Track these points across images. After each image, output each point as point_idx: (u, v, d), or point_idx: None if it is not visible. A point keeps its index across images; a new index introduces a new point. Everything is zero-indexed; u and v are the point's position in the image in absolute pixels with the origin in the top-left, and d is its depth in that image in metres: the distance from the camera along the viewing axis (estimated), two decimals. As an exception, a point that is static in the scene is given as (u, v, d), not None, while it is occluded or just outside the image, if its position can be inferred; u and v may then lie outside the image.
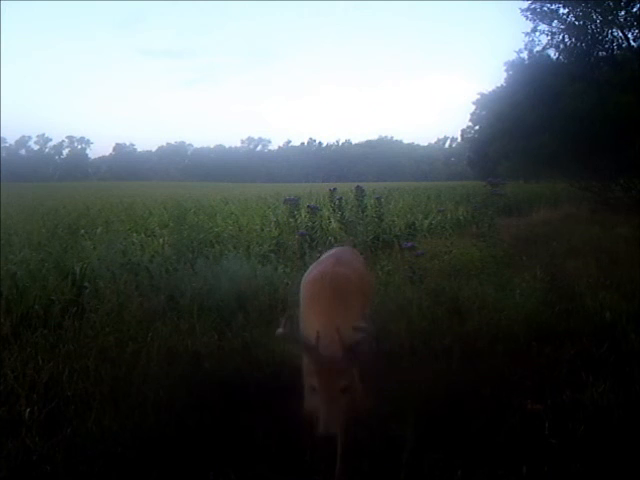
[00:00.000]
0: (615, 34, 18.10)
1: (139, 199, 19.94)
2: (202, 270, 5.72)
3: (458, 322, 4.56)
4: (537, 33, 19.04)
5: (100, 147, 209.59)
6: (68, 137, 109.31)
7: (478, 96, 49.53)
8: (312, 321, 2.68)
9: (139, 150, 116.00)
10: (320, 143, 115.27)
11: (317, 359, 2.44)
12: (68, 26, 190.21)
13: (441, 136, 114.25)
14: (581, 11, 17.68)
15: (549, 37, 18.91)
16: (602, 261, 6.94)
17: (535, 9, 18.27)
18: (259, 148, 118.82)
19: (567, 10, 17.93)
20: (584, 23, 17.74)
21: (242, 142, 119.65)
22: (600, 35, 18.02)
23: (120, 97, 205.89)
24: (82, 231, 9.63)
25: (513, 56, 21.49)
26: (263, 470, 2.73)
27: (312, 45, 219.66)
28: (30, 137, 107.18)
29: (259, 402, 3.22)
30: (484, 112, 44.51)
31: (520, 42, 19.73)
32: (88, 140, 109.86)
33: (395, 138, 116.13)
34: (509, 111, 19.74)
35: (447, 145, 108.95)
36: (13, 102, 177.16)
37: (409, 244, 6.03)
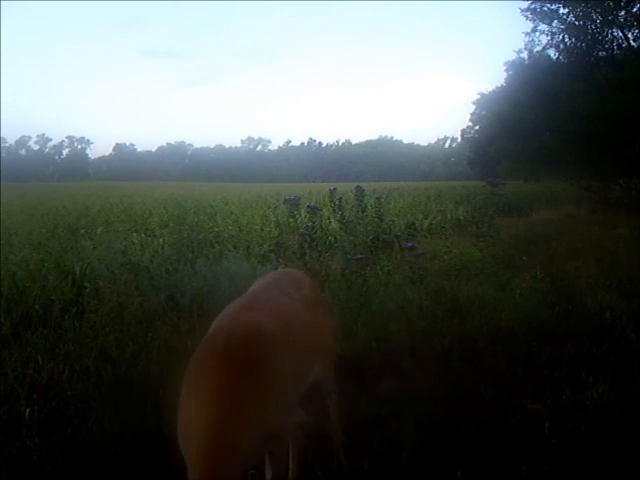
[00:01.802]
0: (615, 34, 18.14)
1: (139, 199, 19.95)
2: (202, 270, 5.72)
3: (458, 322, 4.55)
4: (537, 33, 19.11)
5: (100, 147, 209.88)
6: (68, 137, 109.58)
7: (478, 96, 49.77)
8: (189, 425, 1.76)
9: (139, 150, 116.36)
10: (320, 143, 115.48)
11: None
12: (68, 26, 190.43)
13: (441, 136, 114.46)
14: (581, 11, 17.70)
15: (549, 37, 18.99)
16: (602, 261, 6.94)
17: (535, 9, 18.30)
18: (259, 148, 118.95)
19: (567, 10, 17.98)
20: (584, 23, 17.76)
21: (242, 142, 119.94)
22: (600, 35, 18.04)
23: (120, 97, 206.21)
24: (82, 231, 9.65)
25: (513, 56, 21.59)
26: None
27: (312, 45, 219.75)
28: (30, 137, 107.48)
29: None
30: (484, 112, 44.65)
31: (520, 42, 19.80)
32: (88, 140, 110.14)
33: (395, 138, 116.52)
34: (509, 111, 19.74)
35: (447, 145, 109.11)
36: (13, 102, 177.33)
37: (409, 244, 6.02)
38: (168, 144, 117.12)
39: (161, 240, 8.11)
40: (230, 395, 1.72)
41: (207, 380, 1.78)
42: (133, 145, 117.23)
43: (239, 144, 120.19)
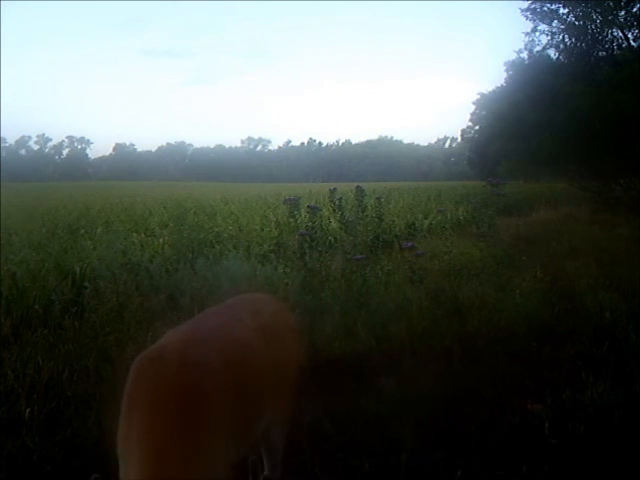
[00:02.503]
0: (615, 34, 18.14)
1: (139, 199, 19.95)
2: (202, 270, 5.72)
3: (458, 322, 4.55)
4: (537, 33, 19.12)
5: (100, 147, 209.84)
6: (68, 137, 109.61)
7: (478, 96, 49.70)
8: (130, 457, 1.54)
9: (139, 150, 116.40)
10: (320, 143, 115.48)
11: None
12: (68, 26, 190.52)
13: (441, 136, 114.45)
14: (581, 11, 17.71)
15: (549, 37, 18.99)
16: (602, 261, 6.94)
17: (535, 9, 18.30)
18: (259, 148, 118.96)
19: (567, 10, 17.98)
20: (584, 23, 17.76)
21: (242, 142, 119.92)
22: (600, 35, 18.04)
23: (120, 97, 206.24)
24: (82, 231, 9.65)
25: (513, 56, 21.61)
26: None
27: (312, 45, 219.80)
28: (30, 137, 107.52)
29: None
30: (484, 112, 44.62)
31: (520, 42, 19.81)
32: (88, 140, 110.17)
33: (395, 138, 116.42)
34: (509, 111, 19.75)
35: (447, 145, 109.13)
36: (13, 102, 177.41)
37: (409, 244, 6.02)
38: (168, 144, 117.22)
39: (161, 240, 8.11)
40: (156, 440, 1.50)
41: (135, 418, 1.57)
42: (133, 145, 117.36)
43: (239, 144, 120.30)
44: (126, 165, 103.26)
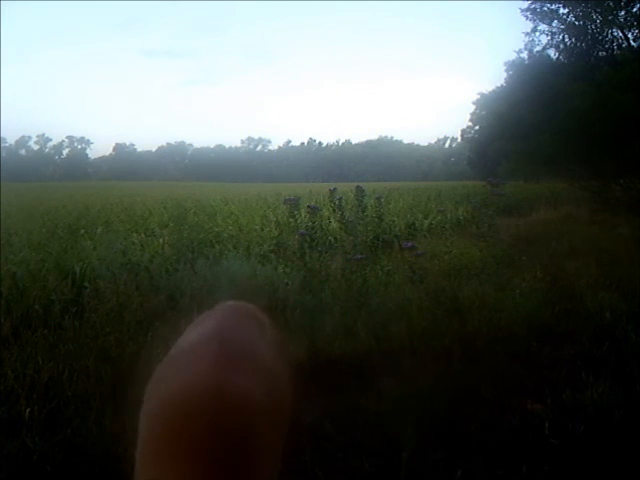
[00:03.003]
0: (615, 34, 18.17)
1: (139, 199, 19.95)
2: (202, 270, 5.72)
3: (458, 322, 4.55)
4: (537, 33, 19.16)
5: (100, 147, 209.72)
6: (68, 137, 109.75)
7: (478, 96, 49.73)
8: None
9: (139, 150, 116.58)
10: (320, 143, 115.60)
11: None
12: (68, 26, 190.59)
13: (441, 136, 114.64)
14: (581, 11, 17.73)
15: (549, 37, 19.03)
16: (602, 261, 6.94)
17: (535, 9, 18.33)
18: (259, 148, 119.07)
19: (567, 10, 18.01)
20: (584, 23, 17.78)
21: (242, 142, 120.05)
22: (600, 35, 18.06)
23: (120, 97, 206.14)
24: (82, 231, 9.64)
25: (513, 56, 21.66)
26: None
27: (312, 45, 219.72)
28: (30, 137, 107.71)
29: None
30: (484, 112, 44.62)
31: (520, 42, 19.85)
32: (88, 140, 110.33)
33: (395, 138, 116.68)
34: (509, 111, 19.76)
35: (447, 145, 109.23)
36: (13, 102, 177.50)
37: (409, 244, 6.02)
38: (168, 144, 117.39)
39: (161, 240, 8.10)
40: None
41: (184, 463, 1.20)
42: (133, 145, 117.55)
43: (239, 144, 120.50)
44: (126, 165, 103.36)
